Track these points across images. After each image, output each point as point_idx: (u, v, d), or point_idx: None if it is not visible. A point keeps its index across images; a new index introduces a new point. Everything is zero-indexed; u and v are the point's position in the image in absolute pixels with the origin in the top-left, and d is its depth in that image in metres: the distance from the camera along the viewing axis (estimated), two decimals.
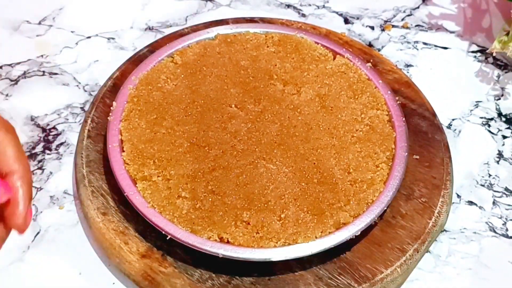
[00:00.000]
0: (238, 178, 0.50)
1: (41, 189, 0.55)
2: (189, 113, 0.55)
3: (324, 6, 0.74)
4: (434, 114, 0.61)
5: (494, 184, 0.59)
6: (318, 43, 0.62)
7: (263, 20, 0.67)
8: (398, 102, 0.58)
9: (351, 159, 0.53)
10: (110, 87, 0.60)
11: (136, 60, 0.62)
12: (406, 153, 0.53)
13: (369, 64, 0.61)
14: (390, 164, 0.53)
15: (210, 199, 0.49)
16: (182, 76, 0.57)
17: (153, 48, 0.63)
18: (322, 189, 0.50)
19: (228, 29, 0.62)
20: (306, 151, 0.53)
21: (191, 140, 0.53)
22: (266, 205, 0.49)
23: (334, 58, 0.61)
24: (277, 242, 0.47)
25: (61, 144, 0.58)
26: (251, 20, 0.67)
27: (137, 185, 0.49)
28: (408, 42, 0.71)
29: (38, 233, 0.52)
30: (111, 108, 0.54)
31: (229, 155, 0.52)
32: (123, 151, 0.52)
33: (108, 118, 0.54)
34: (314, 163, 0.52)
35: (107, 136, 0.52)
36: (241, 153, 0.52)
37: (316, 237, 0.48)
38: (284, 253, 0.47)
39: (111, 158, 0.51)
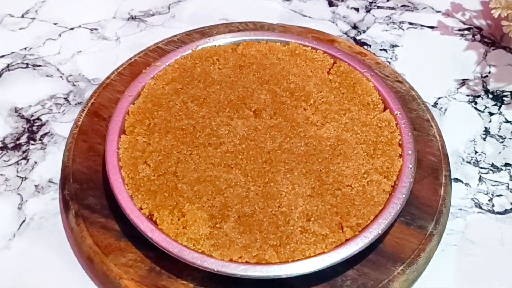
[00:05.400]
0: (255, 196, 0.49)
1: (26, 178, 0.55)
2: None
3: None
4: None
5: (480, 160, 0.59)
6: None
7: (284, 27, 0.65)
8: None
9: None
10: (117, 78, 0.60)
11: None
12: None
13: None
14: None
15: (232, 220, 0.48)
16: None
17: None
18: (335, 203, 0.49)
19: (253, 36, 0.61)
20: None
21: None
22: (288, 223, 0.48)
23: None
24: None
25: (45, 134, 0.58)
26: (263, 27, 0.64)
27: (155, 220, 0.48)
28: (394, 23, 0.71)
29: (23, 221, 0.52)
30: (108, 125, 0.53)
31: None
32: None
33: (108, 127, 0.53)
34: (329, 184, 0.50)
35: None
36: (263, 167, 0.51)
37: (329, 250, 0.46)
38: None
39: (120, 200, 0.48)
